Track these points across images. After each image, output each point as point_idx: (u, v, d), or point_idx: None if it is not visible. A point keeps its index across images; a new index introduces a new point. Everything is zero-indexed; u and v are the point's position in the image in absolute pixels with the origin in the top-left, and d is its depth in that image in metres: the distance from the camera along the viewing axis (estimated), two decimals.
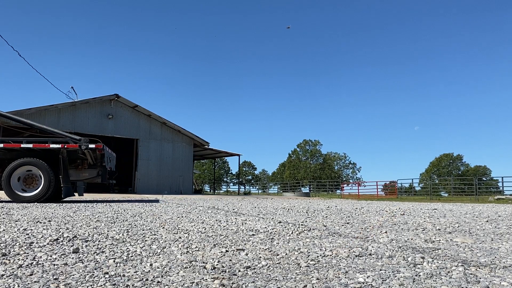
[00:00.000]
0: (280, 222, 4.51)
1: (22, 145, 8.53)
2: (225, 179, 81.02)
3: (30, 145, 8.53)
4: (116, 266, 2.26)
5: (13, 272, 2.06)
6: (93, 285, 1.86)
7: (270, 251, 2.75)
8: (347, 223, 4.51)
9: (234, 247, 2.86)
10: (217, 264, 2.31)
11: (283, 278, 2.03)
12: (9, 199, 8.59)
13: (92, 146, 8.70)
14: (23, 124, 10.16)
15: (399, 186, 33.51)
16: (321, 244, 3.03)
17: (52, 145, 8.63)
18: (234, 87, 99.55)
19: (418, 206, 9.10)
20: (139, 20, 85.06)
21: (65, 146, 8.62)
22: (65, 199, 9.96)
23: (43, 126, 9.87)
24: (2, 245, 2.76)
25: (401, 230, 3.96)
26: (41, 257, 2.43)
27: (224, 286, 1.87)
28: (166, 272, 2.12)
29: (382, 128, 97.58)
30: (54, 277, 1.97)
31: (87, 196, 12.95)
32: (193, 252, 2.69)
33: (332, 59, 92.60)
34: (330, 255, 2.62)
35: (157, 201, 10.65)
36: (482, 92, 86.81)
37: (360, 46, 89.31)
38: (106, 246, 2.84)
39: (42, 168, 8.42)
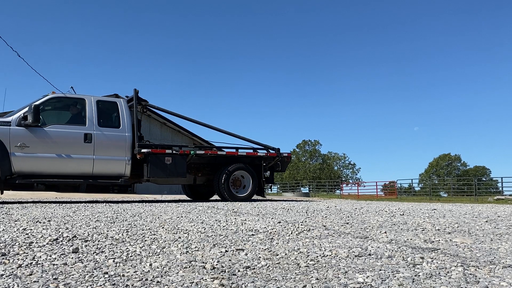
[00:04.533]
0: (279, 222, 4.50)
1: (239, 152, 9.91)
2: None
3: (244, 152, 9.94)
4: (116, 266, 2.26)
5: (12, 272, 2.06)
6: (93, 285, 1.86)
7: (269, 251, 2.75)
8: (347, 223, 4.51)
9: (234, 247, 2.86)
10: (216, 264, 2.31)
11: (283, 278, 2.03)
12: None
13: (285, 154, 10.25)
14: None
15: (399, 186, 33.52)
16: (320, 244, 3.03)
17: (259, 153, 10.09)
18: (234, 86, 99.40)
19: (418, 207, 9.10)
20: (139, 20, 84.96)
21: (268, 154, 10.06)
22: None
23: (246, 138, 11.13)
24: (1, 245, 2.76)
25: (400, 230, 3.97)
26: (40, 257, 2.43)
27: (223, 286, 1.88)
28: (165, 272, 2.13)
29: (382, 128, 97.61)
30: (54, 277, 1.98)
31: (86, 196, 12.95)
32: (193, 252, 2.69)
33: (332, 59, 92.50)
34: (330, 255, 2.62)
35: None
36: (482, 92, 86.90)
37: (359, 46, 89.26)
38: (105, 246, 2.84)
39: (251, 173, 9.82)
